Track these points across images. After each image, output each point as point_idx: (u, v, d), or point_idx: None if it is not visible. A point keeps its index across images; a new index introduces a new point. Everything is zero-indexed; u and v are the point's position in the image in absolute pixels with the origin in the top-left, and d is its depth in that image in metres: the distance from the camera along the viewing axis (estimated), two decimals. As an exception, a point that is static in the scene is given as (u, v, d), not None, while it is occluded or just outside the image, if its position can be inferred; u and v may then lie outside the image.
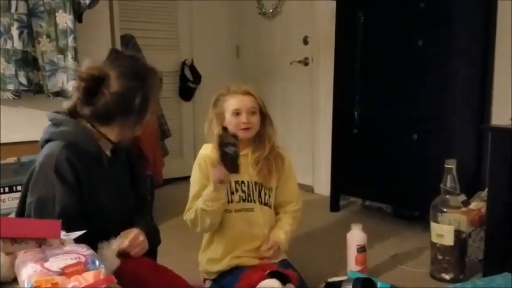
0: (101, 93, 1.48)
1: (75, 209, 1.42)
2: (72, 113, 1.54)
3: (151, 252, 1.63)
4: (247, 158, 2.04)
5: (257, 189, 2.05)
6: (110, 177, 1.56)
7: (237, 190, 2.03)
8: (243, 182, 2.03)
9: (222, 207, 1.95)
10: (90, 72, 1.49)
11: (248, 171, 2.04)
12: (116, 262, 1.36)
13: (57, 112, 1.58)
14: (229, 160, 1.84)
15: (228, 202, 2.01)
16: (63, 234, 1.19)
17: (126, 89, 1.49)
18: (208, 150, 2.05)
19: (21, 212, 1.49)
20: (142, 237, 1.51)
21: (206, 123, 2.06)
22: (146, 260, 1.55)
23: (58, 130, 1.52)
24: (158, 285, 1.49)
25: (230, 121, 1.99)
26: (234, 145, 1.85)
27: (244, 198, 2.04)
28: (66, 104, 1.56)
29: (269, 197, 2.09)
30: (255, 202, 2.05)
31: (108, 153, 1.58)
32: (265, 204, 2.08)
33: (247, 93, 2.01)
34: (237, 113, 1.98)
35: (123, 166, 1.67)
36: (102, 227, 1.45)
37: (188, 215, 2.00)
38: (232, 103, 2.00)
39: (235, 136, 1.88)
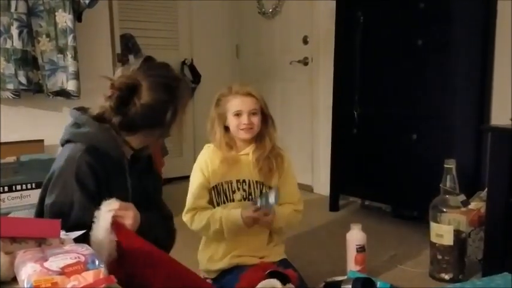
0: (132, 103, 1.48)
1: (93, 216, 1.40)
2: (100, 119, 1.52)
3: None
4: (248, 157, 2.05)
5: (258, 188, 2.06)
6: (134, 184, 1.55)
7: (238, 189, 2.04)
8: (244, 180, 2.04)
9: None
10: (123, 81, 1.48)
11: (249, 170, 2.05)
12: (108, 218, 1.33)
13: (79, 109, 1.57)
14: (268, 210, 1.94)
15: (229, 201, 2.03)
16: (62, 233, 1.19)
17: (157, 102, 1.49)
18: (210, 151, 2.07)
19: (40, 212, 1.49)
20: (135, 211, 1.45)
21: (208, 122, 2.07)
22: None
23: (80, 131, 1.51)
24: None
25: (231, 122, 2.01)
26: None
27: (245, 196, 2.05)
28: (93, 110, 1.54)
29: None
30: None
31: (128, 158, 1.58)
32: None
33: (248, 94, 2.01)
34: (238, 114, 1.99)
35: (144, 171, 1.65)
36: None
37: (196, 223, 2.00)
38: (233, 104, 2.00)
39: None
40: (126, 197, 1.50)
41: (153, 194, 1.69)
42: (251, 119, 1.99)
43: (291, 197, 2.14)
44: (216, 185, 2.04)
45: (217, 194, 2.04)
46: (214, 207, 2.04)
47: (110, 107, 1.50)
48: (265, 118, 2.06)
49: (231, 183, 2.03)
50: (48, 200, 1.45)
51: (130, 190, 1.55)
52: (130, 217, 1.40)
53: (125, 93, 1.48)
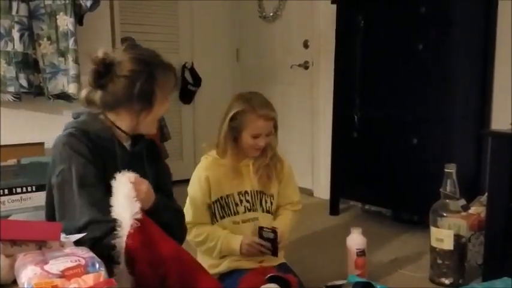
0: (110, 77, 1.50)
1: (94, 178, 1.43)
2: (88, 101, 1.56)
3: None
4: (248, 168, 2.05)
5: (259, 198, 2.07)
6: (125, 167, 1.54)
7: (241, 201, 2.04)
8: (246, 192, 2.05)
9: None
10: (101, 57, 1.51)
11: (250, 180, 2.05)
12: (128, 185, 1.33)
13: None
14: (270, 244, 1.96)
15: (234, 214, 2.03)
16: (63, 236, 1.19)
17: (131, 72, 1.50)
18: (209, 163, 2.05)
19: (50, 212, 1.50)
20: (149, 187, 1.45)
21: (220, 132, 2.01)
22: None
23: (74, 121, 1.56)
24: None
25: (246, 140, 1.98)
26: (274, 232, 1.95)
27: (249, 208, 2.05)
28: (82, 93, 1.58)
29: (270, 204, 2.10)
30: (257, 211, 2.06)
31: (127, 145, 1.59)
32: (267, 211, 2.09)
33: (269, 118, 1.98)
34: (256, 136, 1.97)
35: (145, 160, 1.64)
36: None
37: (192, 235, 1.99)
38: (255, 126, 1.96)
39: (274, 231, 1.95)
40: None
41: (161, 185, 1.67)
42: (267, 139, 1.99)
43: (290, 199, 2.17)
44: (218, 199, 2.02)
45: (220, 207, 2.03)
46: (217, 220, 2.04)
47: (88, 81, 1.53)
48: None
49: (233, 195, 2.03)
50: (53, 179, 1.47)
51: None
52: (143, 192, 1.40)
53: (102, 68, 1.50)
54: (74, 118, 1.59)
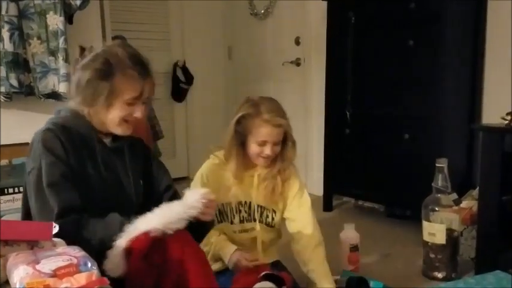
0: (78, 72, 1.53)
1: (64, 179, 1.42)
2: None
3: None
4: (252, 179, 1.97)
5: (259, 211, 2.01)
6: (106, 162, 1.54)
7: (239, 211, 2.00)
8: (245, 202, 2.00)
9: None
10: (80, 50, 1.55)
11: (252, 192, 1.99)
12: (198, 204, 1.36)
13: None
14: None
15: (230, 223, 2.01)
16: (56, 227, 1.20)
17: (93, 71, 1.50)
18: (215, 166, 1.97)
19: (25, 212, 1.50)
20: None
21: (226, 136, 1.92)
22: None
23: (56, 116, 1.57)
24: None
25: (252, 147, 1.89)
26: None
27: (247, 218, 2.01)
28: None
29: (272, 219, 2.03)
30: (255, 221, 2.01)
31: (108, 141, 1.58)
32: (268, 225, 2.04)
33: (279, 126, 1.87)
34: (262, 144, 1.87)
35: (128, 158, 1.62)
36: (92, 212, 1.43)
37: None
38: (260, 133, 1.86)
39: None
40: (96, 175, 1.50)
41: (161, 183, 1.68)
42: (274, 149, 1.88)
43: (306, 229, 1.99)
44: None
45: (218, 213, 1.98)
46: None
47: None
48: (286, 140, 1.94)
49: (231, 204, 1.98)
50: (25, 178, 1.48)
51: (104, 170, 1.53)
52: (211, 215, 1.45)
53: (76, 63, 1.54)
54: (56, 114, 1.60)
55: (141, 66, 1.52)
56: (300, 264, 2.00)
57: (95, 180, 1.50)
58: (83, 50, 1.57)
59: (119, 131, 1.55)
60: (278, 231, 2.13)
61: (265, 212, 2.01)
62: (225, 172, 1.95)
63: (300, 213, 2.02)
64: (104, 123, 1.54)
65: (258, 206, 2.00)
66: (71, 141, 1.48)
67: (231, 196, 1.96)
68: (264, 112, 1.86)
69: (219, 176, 1.95)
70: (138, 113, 1.52)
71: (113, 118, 1.52)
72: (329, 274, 1.96)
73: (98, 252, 1.27)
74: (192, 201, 1.37)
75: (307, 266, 1.97)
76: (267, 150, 1.87)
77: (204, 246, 1.93)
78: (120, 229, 1.34)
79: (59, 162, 1.43)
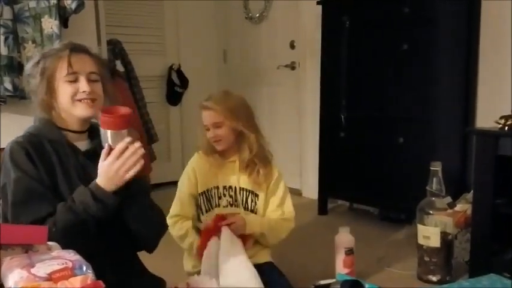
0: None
1: (28, 193, 1.41)
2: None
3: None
4: (234, 164, 2.06)
5: (244, 195, 2.06)
6: (77, 168, 1.52)
7: (224, 195, 2.05)
8: (230, 187, 2.05)
9: None
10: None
11: (236, 177, 2.05)
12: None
13: None
14: None
15: (216, 206, 2.04)
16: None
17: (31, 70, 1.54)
18: (198, 157, 2.10)
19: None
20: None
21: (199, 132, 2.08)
22: None
23: (31, 126, 1.57)
24: None
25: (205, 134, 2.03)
26: None
27: (231, 203, 2.05)
28: None
29: (255, 203, 2.08)
30: (239, 207, 2.06)
31: (82, 144, 1.56)
32: (251, 210, 2.08)
33: (206, 108, 2.00)
34: (207, 128, 2.02)
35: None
36: None
37: (175, 230, 2.01)
38: (202, 119, 2.02)
39: None
40: (66, 182, 1.48)
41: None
42: (216, 132, 1.99)
43: (279, 208, 2.11)
44: (204, 191, 2.05)
45: (206, 200, 2.05)
46: (203, 213, 2.05)
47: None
48: (237, 128, 2.01)
49: (218, 188, 2.04)
50: (1, 191, 1.48)
51: (75, 176, 1.51)
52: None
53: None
54: (34, 123, 1.59)
55: (66, 46, 1.57)
56: None
57: (64, 188, 1.47)
58: None
59: (78, 112, 1.52)
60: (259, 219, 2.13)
61: (250, 197, 2.06)
62: (208, 161, 2.06)
63: (275, 196, 2.11)
64: (66, 117, 1.54)
65: (241, 189, 2.05)
66: (39, 150, 1.46)
67: (218, 180, 2.05)
68: (203, 101, 2.03)
69: (204, 165, 2.06)
70: (83, 87, 1.51)
71: (63, 102, 1.51)
72: (264, 226, 2.02)
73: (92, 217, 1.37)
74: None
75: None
76: (210, 134, 2.00)
77: (189, 237, 1.99)
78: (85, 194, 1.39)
79: (23, 177, 1.42)
